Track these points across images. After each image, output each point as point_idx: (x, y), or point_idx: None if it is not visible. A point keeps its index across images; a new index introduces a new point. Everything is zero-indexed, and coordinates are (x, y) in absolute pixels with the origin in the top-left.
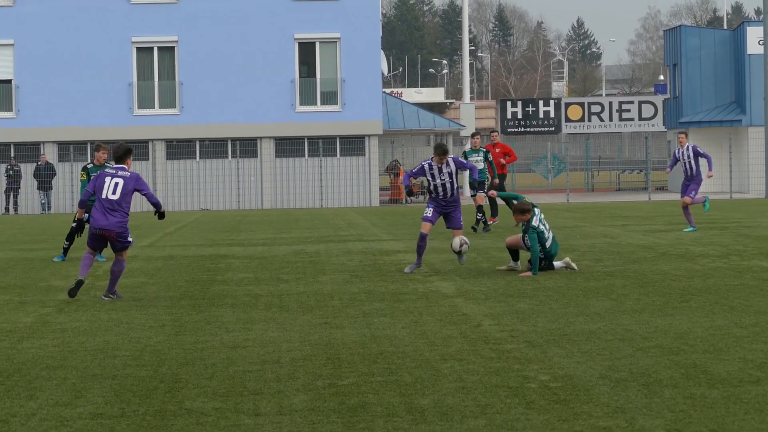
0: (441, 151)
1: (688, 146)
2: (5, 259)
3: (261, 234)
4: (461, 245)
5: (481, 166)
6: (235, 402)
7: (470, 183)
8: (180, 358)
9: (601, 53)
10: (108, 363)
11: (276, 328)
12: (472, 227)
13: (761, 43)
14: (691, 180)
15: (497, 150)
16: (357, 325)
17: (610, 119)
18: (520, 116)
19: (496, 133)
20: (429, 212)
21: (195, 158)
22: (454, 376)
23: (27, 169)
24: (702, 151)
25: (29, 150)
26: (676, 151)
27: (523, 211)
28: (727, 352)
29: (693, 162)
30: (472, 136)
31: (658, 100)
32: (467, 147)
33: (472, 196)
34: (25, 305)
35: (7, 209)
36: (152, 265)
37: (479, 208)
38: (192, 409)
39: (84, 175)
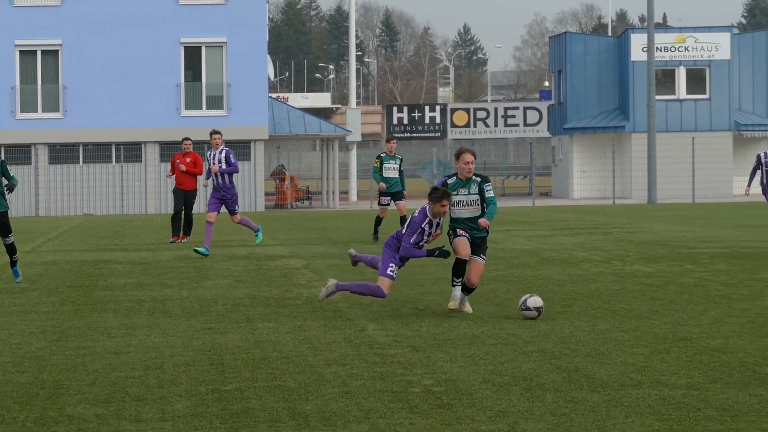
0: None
1: None
2: None
3: (145, 239)
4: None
5: (396, 173)
6: (117, 408)
7: (389, 193)
8: (61, 364)
9: (487, 59)
10: None
11: (159, 334)
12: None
13: (645, 50)
14: None
15: (188, 160)
16: (241, 331)
17: (496, 125)
18: (406, 121)
19: (188, 141)
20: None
21: (78, 163)
22: (337, 381)
23: None
24: None
25: None
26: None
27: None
28: (608, 356)
29: None
30: (388, 140)
31: (543, 106)
32: (382, 152)
33: (385, 205)
34: None
35: None
36: (34, 270)
37: (404, 219)
38: (73, 416)
39: None
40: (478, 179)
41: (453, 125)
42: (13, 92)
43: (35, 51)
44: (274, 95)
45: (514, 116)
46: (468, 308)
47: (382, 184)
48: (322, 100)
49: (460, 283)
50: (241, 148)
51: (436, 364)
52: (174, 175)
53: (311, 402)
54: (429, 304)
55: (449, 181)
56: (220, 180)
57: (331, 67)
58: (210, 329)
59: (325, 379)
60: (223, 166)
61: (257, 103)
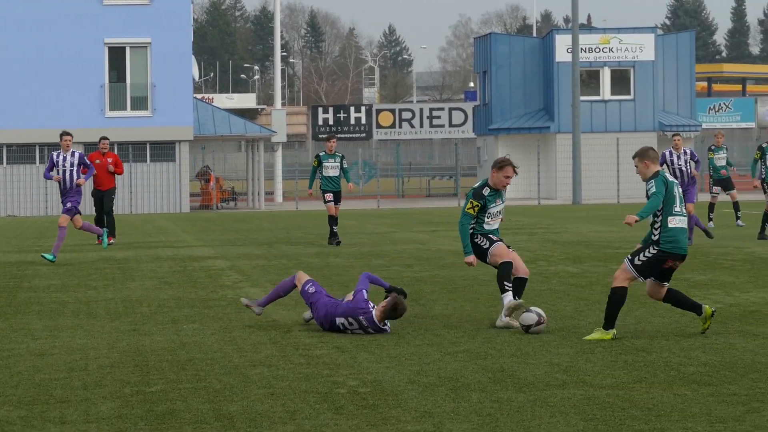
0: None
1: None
2: None
3: (69, 240)
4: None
5: (337, 172)
6: (41, 410)
7: (331, 190)
8: None
9: (413, 60)
10: None
11: (83, 336)
12: (337, 242)
13: (569, 51)
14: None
15: (110, 161)
16: (166, 332)
17: (421, 126)
18: (331, 122)
19: (106, 141)
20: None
21: (2, 164)
22: (263, 382)
23: None
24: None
25: None
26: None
27: None
28: (533, 356)
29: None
30: (327, 139)
31: (468, 107)
32: (321, 152)
33: (330, 201)
34: None
35: None
36: None
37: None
38: None
39: None
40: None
41: (378, 126)
42: None
43: None
44: (199, 96)
45: (439, 117)
46: (515, 322)
47: (310, 191)
48: (247, 100)
49: (511, 288)
50: (166, 148)
51: (362, 365)
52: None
53: (236, 403)
54: None
55: (485, 193)
56: (68, 183)
57: (256, 67)
58: (135, 331)
59: (250, 380)
60: (75, 172)
61: (182, 104)
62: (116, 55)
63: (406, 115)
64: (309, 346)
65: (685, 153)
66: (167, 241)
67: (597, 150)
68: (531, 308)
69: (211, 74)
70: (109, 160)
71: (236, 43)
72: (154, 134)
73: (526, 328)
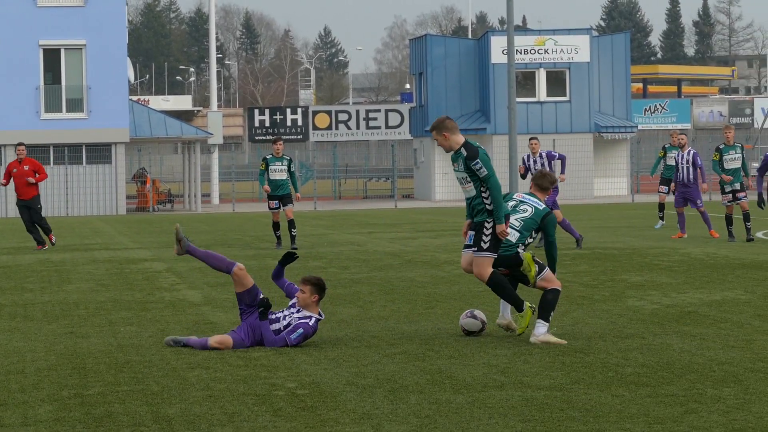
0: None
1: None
2: None
3: (4, 243)
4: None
5: (284, 176)
6: None
7: (277, 196)
8: None
9: (348, 62)
10: None
11: (20, 338)
12: (293, 248)
13: (505, 52)
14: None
15: (26, 168)
16: (103, 335)
17: (357, 127)
18: (268, 124)
19: (22, 147)
20: None
21: None
22: (201, 384)
23: None
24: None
25: None
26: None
27: None
28: (471, 357)
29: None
30: (274, 141)
31: (405, 108)
32: (268, 155)
33: (274, 209)
34: None
35: None
36: None
37: (292, 223)
38: None
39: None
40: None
41: (315, 128)
42: None
43: None
44: (134, 98)
45: (375, 118)
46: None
47: (266, 187)
48: (183, 102)
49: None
50: (101, 150)
51: (300, 367)
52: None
53: (175, 406)
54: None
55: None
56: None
57: (192, 69)
58: (72, 333)
59: (188, 382)
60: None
61: (118, 106)
62: (51, 56)
63: (343, 116)
64: (246, 348)
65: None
66: (104, 244)
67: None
68: (475, 313)
69: (147, 76)
70: (26, 167)
71: (171, 44)
72: (90, 136)
73: (469, 333)
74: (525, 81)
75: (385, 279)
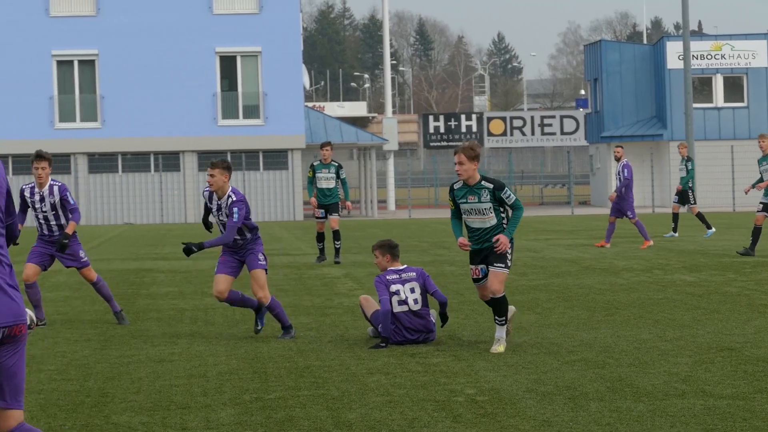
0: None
1: None
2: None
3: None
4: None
5: (332, 184)
6: (162, 416)
7: (324, 205)
8: (106, 372)
9: (522, 68)
10: (33, 377)
11: (202, 342)
12: (336, 261)
13: (681, 58)
14: None
15: None
16: (284, 339)
17: (532, 133)
18: (442, 130)
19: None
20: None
21: (117, 172)
22: (381, 389)
23: None
24: None
25: None
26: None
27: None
28: (652, 365)
29: None
30: (322, 147)
31: (580, 114)
32: (316, 161)
33: (320, 218)
34: None
35: None
36: (77, 279)
37: (337, 234)
38: (119, 424)
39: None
40: (490, 185)
41: (489, 134)
42: (51, 102)
43: (72, 61)
44: (310, 104)
45: (550, 125)
46: (498, 347)
47: (313, 200)
48: (358, 109)
49: (500, 322)
50: (278, 156)
51: (479, 374)
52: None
53: (355, 411)
54: (469, 313)
55: (455, 186)
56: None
57: (366, 76)
58: (252, 338)
59: (368, 387)
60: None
61: (293, 112)
62: (227, 64)
63: (517, 123)
64: (425, 354)
65: None
66: (282, 249)
67: (711, 158)
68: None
69: (322, 83)
70: None
71: (346, 51)
72: (267, 142)
73: None
74: (701, 86)
75: (563, 286)
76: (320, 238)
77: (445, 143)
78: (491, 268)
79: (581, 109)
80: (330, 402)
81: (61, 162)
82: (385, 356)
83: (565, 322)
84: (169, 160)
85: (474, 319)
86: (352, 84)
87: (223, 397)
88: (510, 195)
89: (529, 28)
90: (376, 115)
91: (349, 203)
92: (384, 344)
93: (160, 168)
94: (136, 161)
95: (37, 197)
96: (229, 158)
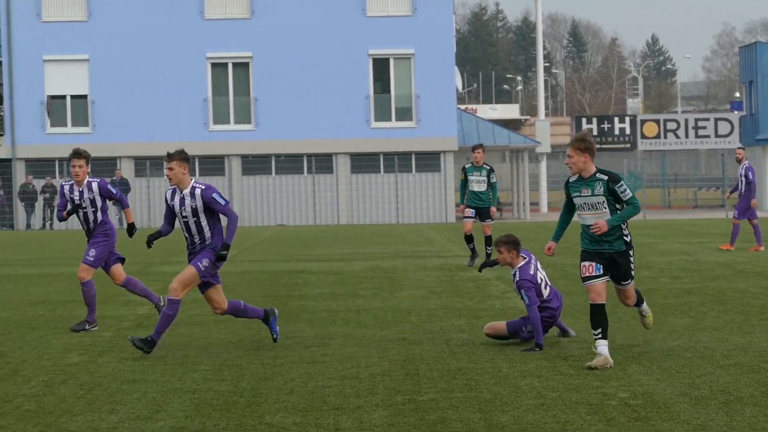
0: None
1: None
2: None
3: (337, 249)
4: None
5: (483, 187)
6: (315, 417)
7: (475, 206)
8: (259, 373)
9: (676, 70)
10: (188, 377)
11: (354, 344)
12: (470, 263)
13: None
14: None
15: None
16: (435, 341)
17: (686, 136)
18: (595, 133)
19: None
20: None
21: (271, 174)
22: (533, 392)
23: None
24: None
25: (105, 165)
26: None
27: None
28: None
29: None
30: (473, 149)
31: (735, 117)
32: (467, 164)
33: (468, 217)
34: (104, 319)
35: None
36: (230, 280)
37: (488, 240)
38: (272, 424)
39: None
40: (604, 177)
41: (643, 136)
42: (205, 104)
43: (226, 63)
44: (462, 107)
45: (704, 127)
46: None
47: (462, 207)
48: (510, 111)
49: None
50: (430, 159)
51: (632, 377)
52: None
53: (507, 413)
54: (622, 316)
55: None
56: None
57: (519, 78)
58: (404, 339)
59: (520, 390)
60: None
61: (446, 115)
62: (380, 66)
63: (671, 125)
64: (578, 357)
65: None
66: (434, 251)
67: None
68: None
69: (474, 85)
70: None
71: (498, 53)
72: (419, 145)
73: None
74: None
75: (717, 289)
76: (469, 239)
77: (598, 146)
78: (619, 287)
79: (736, 112)
80: (482, 404)
81: (215, 164)
82: (538, 359)
83: (719, 326)
84: (322, 162)
85: (627, 322)
86: (505, 86)
87: (375, 399)
88: (626, 190)
89: (684, 29)
90: (528, 117)
91: (494, 209)
92: (538, 349)
93: (313, 170)
94: (289, 163)
95: (76, 194)
96: (381, 160)
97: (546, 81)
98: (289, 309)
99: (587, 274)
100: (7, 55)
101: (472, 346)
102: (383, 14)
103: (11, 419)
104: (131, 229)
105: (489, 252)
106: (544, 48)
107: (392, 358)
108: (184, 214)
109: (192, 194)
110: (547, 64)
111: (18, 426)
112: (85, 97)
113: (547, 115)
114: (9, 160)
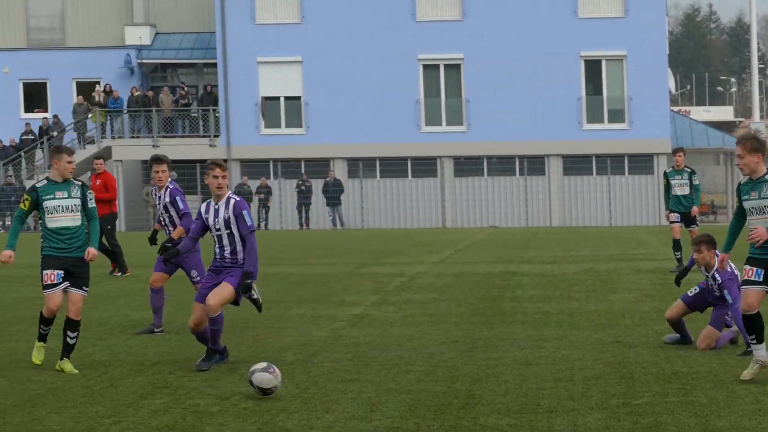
0: None
1: None
2: (298, 274)
3: (550, 251)
4: None
5: (686, 190)
6: (529, 419)
7: (678, 212)
8: (473, 374)
9: None
10: (402, 378)
11: (568, 346)
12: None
13: None
14: None
15: (98, 183)
16: (650, 345)
17: None
18: None
19: (100, 161)
20: None
21: (483, 175)
22: (750, 397)
23: (317, 185)
24: None
25: (318, 166)
26: None
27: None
28: None
29: None
30: (674, 152)
31: None
32: (668, 168)
33: (674, 221)
34: (319, 319)
35: (301, 224)
36: (442, 281)
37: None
38: (487, 425)
39: None
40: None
41: None
42: (417, 106)
43: (438, 65)
44: (675, 109)
45: None
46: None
47: (667, 213)
48: (724, 113)
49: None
50: (643, 161)
51: None
52: None
53: (724, 418)
54: None
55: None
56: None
57: (733, 80)
58: (618, 342)
59: (737, 395)
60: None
61: (659, 117)
62: (592, 67)
63: None
64: None
65: None
66: (648, 254)
67: None
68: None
69: (687, 87)
70: (98, 182)
71: (711, 55)
72: (632, 147)
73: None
74: None
75: None
76: (677, 246)
77: None
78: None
79: None
80: (698, 409)
81: (427, 165)
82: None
83: None
84: (534, 164)
85: None
86: (719, 88)
87: (590, 402)
88: None
89: None
90: (743, 119)
91: (695, 208)
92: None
93: (525, 171)
94: (501, 165)
95: (158, 199)
96: (594, 163)
97: (761, 83)
98: (503, 310)
99: (745, 278)
100: (222, 58)
101: (687, 350)
102: (595, 16)
103: (228, 416)
104: (154, 237)
105: (678, 257)
106: (759, 49)
107: (606, 361)
108: (217, 227)
109: (227, 205)
110: (762, 66)
111: (235, 424)
112: (298, 98)
113: (761, 117)
114: (225, 161)
